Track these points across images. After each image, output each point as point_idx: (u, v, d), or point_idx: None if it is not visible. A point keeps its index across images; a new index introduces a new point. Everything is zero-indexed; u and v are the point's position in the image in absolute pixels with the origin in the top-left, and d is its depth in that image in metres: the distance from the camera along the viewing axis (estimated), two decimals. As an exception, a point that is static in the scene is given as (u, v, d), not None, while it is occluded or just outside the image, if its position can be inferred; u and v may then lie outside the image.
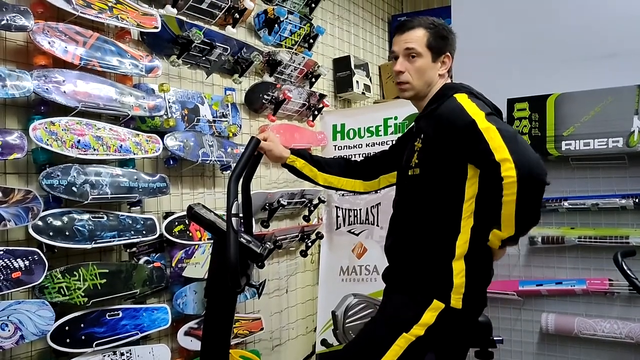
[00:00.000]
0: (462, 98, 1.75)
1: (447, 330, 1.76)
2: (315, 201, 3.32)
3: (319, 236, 3.39)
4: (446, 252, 1.75)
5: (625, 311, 2.60)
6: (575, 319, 2.64)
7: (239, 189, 1.79)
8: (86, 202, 2.02)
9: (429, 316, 1.72)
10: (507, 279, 2.80)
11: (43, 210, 1.91)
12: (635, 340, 2.49)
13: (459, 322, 1.78)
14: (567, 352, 2.72)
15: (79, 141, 2.01)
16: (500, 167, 1.60)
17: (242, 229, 1.90)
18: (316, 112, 3.46)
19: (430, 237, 1.79)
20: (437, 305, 1.73)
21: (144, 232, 2.26)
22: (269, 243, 2.91)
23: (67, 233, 1.98)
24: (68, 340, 1.96)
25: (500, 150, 1.61)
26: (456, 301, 1.73)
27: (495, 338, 1.90)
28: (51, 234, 1.93)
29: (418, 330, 1.72)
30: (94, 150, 2.06)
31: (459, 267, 1.74)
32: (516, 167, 1.58)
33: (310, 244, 3.33)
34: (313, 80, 3.45)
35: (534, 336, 2.79)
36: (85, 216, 2.06)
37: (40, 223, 1.90)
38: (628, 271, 2.10)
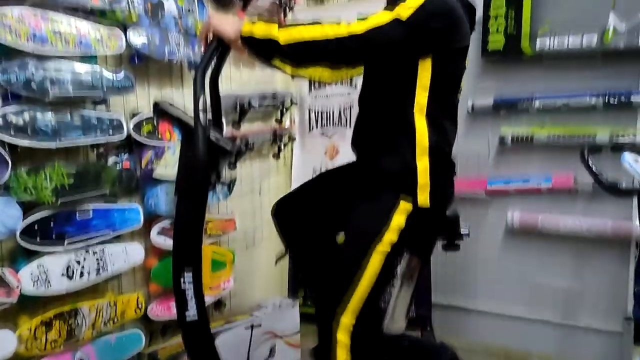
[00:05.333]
0: None
1: (419, 230, 1.79)
2: (288, 103, 3.27)
3: (292, 138, 3.37)
4: (408, 147, 1.75)
5: (588, 208, 2.69)
6: (540, 215, 2.73)
7: (207, 84, 1.74)
8: (47, 99, 1.94)
9: (400, 219, 1.74)
10: (476, 178, 2.85)
11: (2, 107, 1.83)
12: (595, 234, 2.60)
13: (429, 220, 1.81)
14: (531, 247, 2.83)
15: (34, 34, 1.90)
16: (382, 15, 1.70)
17: (211, 126, 1.86)
18: (287, 10, 3.32)
19: (389, 129, 1.79)
20: (405, 207, 1.74)
21: (110, 132, 2.21)
22: (240, 143, 2.89)
23: (29, 131, 1.92)
24: (38, 239, 1.96)
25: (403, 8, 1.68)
26: (424, 199, 1.74)
27: (462, 231, 1.95)
28: (12, 132, 1.86)
29: (391, 235, 1.73)
30: (52, 44, 1.96)
31: (422, 164, 1.74)
32: (366, 31, 1.68)
33: (282, 147, 3.31)
34: (284, -25, 3.28)
35: (499, 232, 2.89)
36: (48, 114, 1.98)
37: (-1, 120, 1.83)
38: (593, 166, 2.14)
